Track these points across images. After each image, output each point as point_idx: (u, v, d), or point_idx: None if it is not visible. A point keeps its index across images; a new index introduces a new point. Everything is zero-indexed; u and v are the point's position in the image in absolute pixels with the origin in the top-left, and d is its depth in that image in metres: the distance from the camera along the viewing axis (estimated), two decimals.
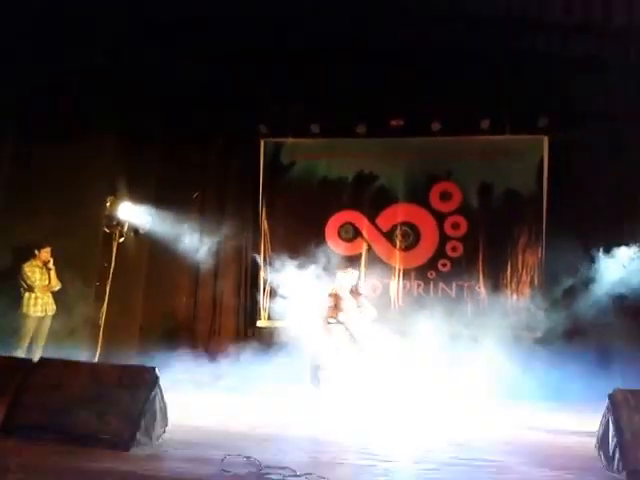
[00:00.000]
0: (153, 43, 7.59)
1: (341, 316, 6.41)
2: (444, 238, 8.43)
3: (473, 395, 6.56)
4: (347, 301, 6.48)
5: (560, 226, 7.93)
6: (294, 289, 7.95)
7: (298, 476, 3.58)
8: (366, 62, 7.83)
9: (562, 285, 7.41)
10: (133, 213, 8.11)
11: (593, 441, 4.38)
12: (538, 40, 7.56)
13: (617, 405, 4.15)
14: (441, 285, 8.29)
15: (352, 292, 6.61)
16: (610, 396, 4.24)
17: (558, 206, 8.13)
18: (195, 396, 6.37)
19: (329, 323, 6.43)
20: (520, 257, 8.14)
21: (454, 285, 8.22)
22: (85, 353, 7.27)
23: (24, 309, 6.91)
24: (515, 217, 8.28)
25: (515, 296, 8.04)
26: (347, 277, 6.65)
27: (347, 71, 7.94)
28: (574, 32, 7.33)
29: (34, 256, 7.05)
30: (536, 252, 8.14)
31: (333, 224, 8.73)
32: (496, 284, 7.99)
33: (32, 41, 6.90)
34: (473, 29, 7.43)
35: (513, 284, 8.04)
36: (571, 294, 7.29)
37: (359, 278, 6.99)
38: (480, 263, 8.20)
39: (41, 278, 7.04)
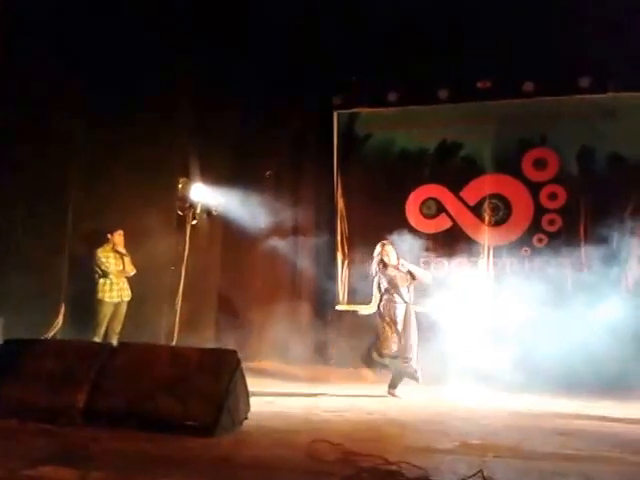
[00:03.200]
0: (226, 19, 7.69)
1: (403, 294, 6.32)
2: (540, 210, 8.13)
3: (578, 384, 6.35)
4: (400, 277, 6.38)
5: None
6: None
7: (390, 464, 3.52)
8: (445, 18, 7.57)
9: None
10: (205, 194, 8.29)
11: None
12: None
13: None
14: (538, 262, 7.98)
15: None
16: None
17: None
18: (273, 381, 6.47)
19: (395, 302, 6.31)
20: (628, 230, 7.69)
21: (553, 262, 7.89)
22: (162, 337, 7.55)
23: (99, 295, 7.19)
24: (621, 185, 7.86)
25: (624, 273, 7.63)
26: (389, 251, 6.47)
27: (425, 30, 7.72)
28: None
29: (107, 241, 7.33)
30: None
31: (414, 200, 8.58)
32: (602, 260, 7.60)
33: (98, 23, 7.11)
34: None
35: (621, 260, 7.62)
36: None
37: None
38: (582, 237, 7.83)
39: (115, 263, 7.31)
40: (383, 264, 6.41)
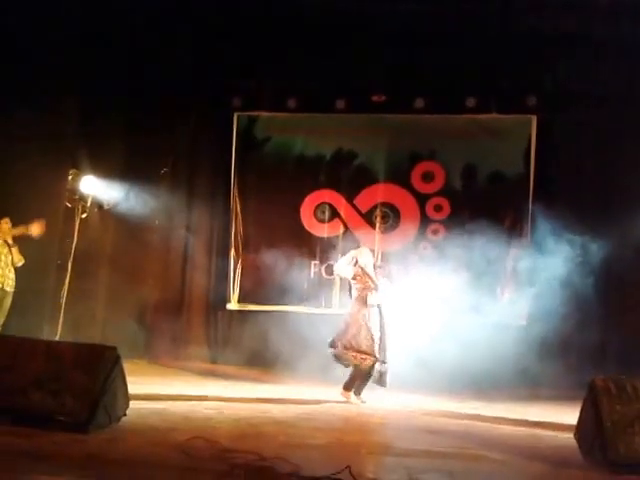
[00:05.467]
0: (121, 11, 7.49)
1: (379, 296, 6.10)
2: (426, 220, 8.44)
3: (453, 385, 6.67)
4: (377, 280, 6.19)
5: (547, 209, 7.99)
6: (268, 271, 7.98)
7: (264, 460, 3.57)
8: (347, 34, 7.80)
9: (548, 270, 7.44)
10: (97, 187, 8.02)
11: (572, 431, 4.41)
12: (527, 17, 7.60)
13: (597, 393, 4.04)
14: (422, 269, 8.27)
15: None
16: (590, 383, 4.15)
17: (545, 189, 8.19)
18: (159, 378, 6.35)
19: (370, 305, 6.05)
20: (505, 241, 8.14)
21: (436, 269, 8.21)
22: (46, 333, 7.22)
23: None
24: (500, 200, 8.32)
25: (499, 282, 8.09)
26: (365, 254, 6.32)
27: (327, 43, 7.92)
28: (563, 9, 7.40)
29: None
30: (522, 236, 8.18)
31: (309, 204, 8.69)
32: (480, 269, 8.01)
33: None
34: (460, 4, 7.46)
35: (498, 269, 8.06)
36: (558, 280, 7.36)
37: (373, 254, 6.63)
38: (463, 247, 8.22)
39: (2, 252, 6.93)
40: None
